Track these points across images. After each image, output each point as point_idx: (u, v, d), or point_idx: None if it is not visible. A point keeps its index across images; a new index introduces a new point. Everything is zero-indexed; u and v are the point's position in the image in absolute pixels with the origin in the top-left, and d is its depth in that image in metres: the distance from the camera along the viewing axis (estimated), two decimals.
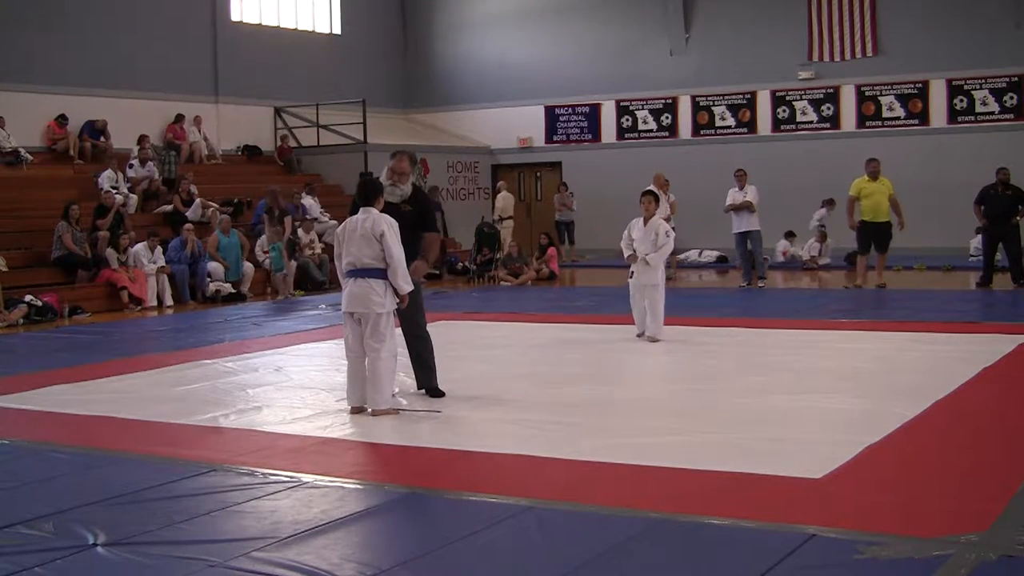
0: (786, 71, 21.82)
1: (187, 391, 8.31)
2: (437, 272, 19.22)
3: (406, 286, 7.17)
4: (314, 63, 23.57)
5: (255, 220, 18.22)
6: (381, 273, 7.11)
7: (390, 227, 7.09)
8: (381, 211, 7.24)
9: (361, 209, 7.19)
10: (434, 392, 7.73)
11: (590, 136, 24.04)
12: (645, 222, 10.42)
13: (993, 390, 7.68)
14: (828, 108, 21.71)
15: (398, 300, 7.23)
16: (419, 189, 7.96)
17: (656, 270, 10.24)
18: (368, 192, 7.25)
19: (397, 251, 7.08)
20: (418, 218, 7.70)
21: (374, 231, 7.07)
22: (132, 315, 14.59)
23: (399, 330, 7.60)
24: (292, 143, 22.57)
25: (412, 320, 7.65)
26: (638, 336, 10.28)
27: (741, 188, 16.01)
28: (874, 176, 15.17)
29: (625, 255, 10.49)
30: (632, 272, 10.34)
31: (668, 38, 22.90)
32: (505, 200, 21.19)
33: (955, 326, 10.83)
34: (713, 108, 22.78)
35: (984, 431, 6.42)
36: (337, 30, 24.52)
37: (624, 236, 10.54)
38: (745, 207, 15.87)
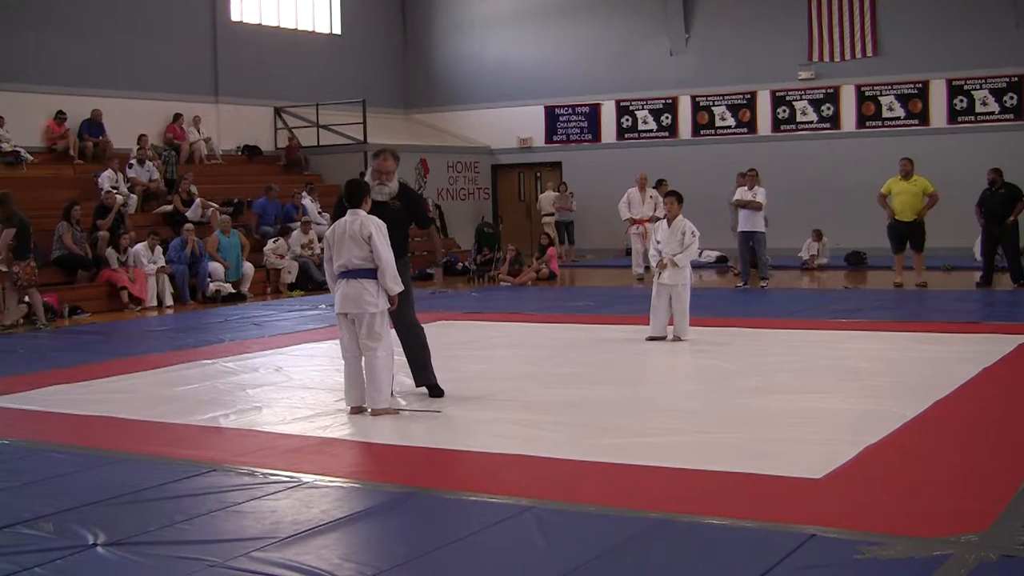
0: (786, 71, 21.80)
1: (187, 391, 8.31)
2: (431, 272, 19.26)
3: (395, 287, 7.17)
4: (314, 63, 23.56)
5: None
6: (372, 273, 7.12)
7: (378, 229, 7.10)
8: (370, 211, 7.25)
9: (349, 211, 7.19)
10: (434, 390, 7.73)
11: (590, 136, 24.03)
12: (669, 223, 10.38)
13: (993, 390, 7.69)
14: (828, 108, 21.70)
15: (388, 300, 7.23)
16: (406, 185, 7.97)
17: (684, 270, 10.24)
18: (354, 193, 7.25)
19: (386, 253, 7.08)
20: (408, 214, 7.73)
21: (362, 233, 7.07)
22: (132, 315, 14.59)
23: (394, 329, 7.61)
24: (296, 143, 22.55)
25: (402, 316, 7.63)
26: (648, 339, 10.22)
27: (751, 188, 15.98)
28: (906, 176, 15.16)
29: (653, 264, 10.47)
30: (657, 273, 10.32)
31: (668, 38, 22.89)
32: (547, 198, 22.09)
33: (955, 326, 10.84)
34: (713, 108, 22.76)
35: (984, 431, 6.42)
36: (337, 30, 24.51)
37: (651, 241, 10.60)
38: (753, 207, 15.82)
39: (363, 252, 7.09)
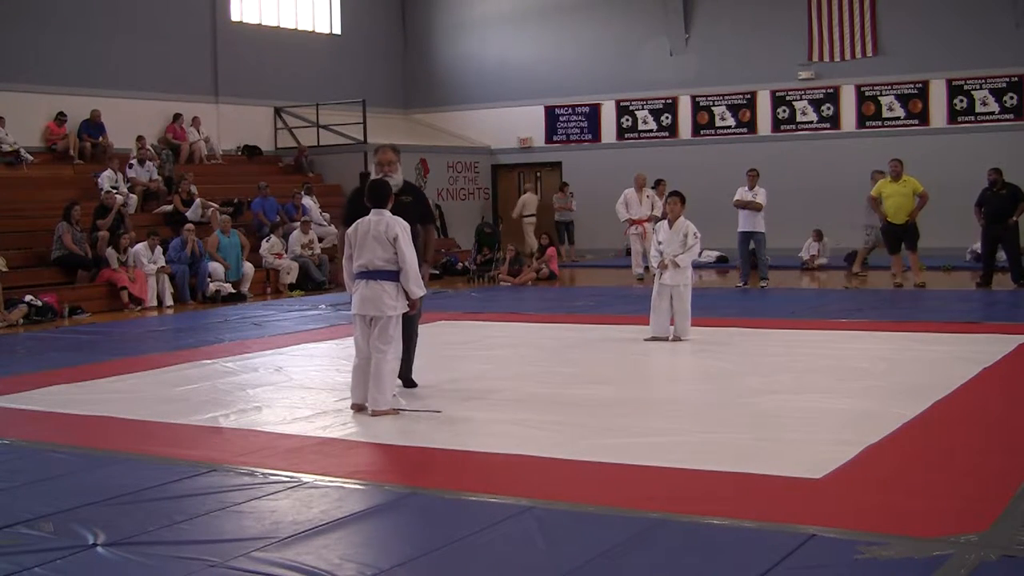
0: (786, 71, 21.81)
1: (187, 391, 8.31)
2: (437, 272, 19.27)
3: (418, 291, 7.18)
4: (314, 63, 23.57)
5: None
6: (393, 275, 7.11)
7: (404, 231, 7.09)
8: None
9: (372, 211, 7.18)
10: (408, 383, 7.87)
11: (590, 136, 24.04)
12: (671, 224, 10.37)
13: (993, 390, 7.69)
14: (828, 108, 21.71)
15: (408, 305, 7.23)
16: (408, 181, 8.04)
17: (686, 271, 10.23)
18: (379, 193, 7.23)
19: (410, 256, 7.07)
20: (418, 210, 7.78)
21: (388, 234, 7.05)
22: (132, 315, 14.59)
23: None
24: (294, 144, 22.54)
25: (409, 318, 7.63)
26: (648, 339, 10.22)
27: (751, 188, 15.96)
28: (896, 177, 15.14)
29: (654, 264, 10.46)
30: (658, 274, 10.30)
31: (668, 38, 22.89)
32: (529, 199, 22.40)
33: (955, 326, 10.84)
34: (713, 108, 22.77)
35: (984, 431, 6.43)
36: (337, 30, 24.52)
37: (652, 243, 10.62)
38: (753, 207, 15.81)
39: (387, 254, 7.07)
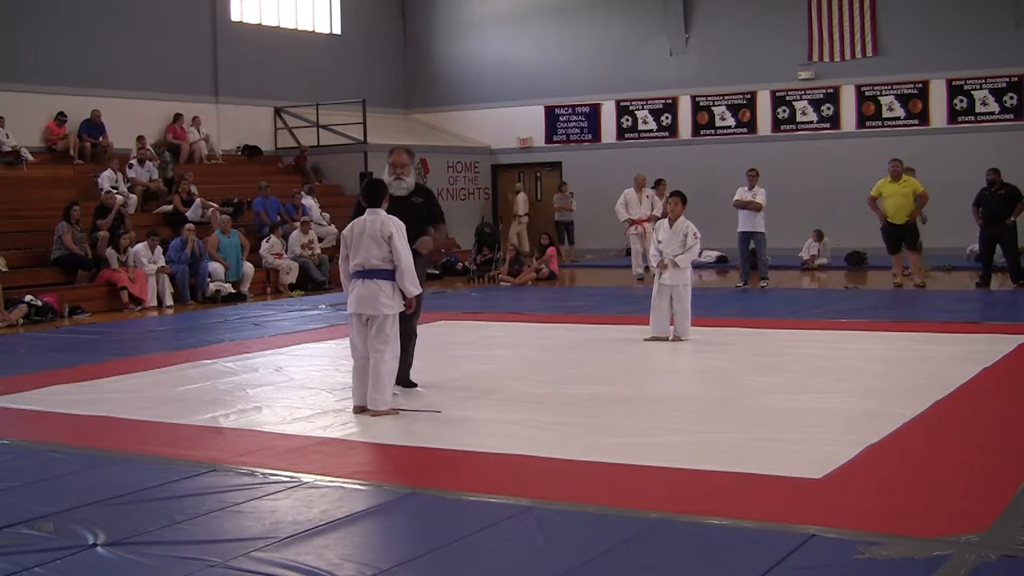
0: (786, 71, 21.81)
1: (187, 391, 8.31)
2: (437, 272, 19.25)
3: (414, 289, 7.18)
4: (314, 63, 23.57)
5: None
6: (389, 275, 7.11)
7: (399, 231, 7.09)
8: (390, 206, 7.25)
9: (368, 210, 7.19)
10: (406, 384, 7.86)
11: (590, 136, 24.04)
12: (671, 224, 10.36)
13: (993, 390, 7.69)
14: (828, 108, 21.71)
15: (405, 304, 7.23)
16: (420, 184, 8.07)
17: (685, 271, 10.23)
18: (374, 192, 7.24)
19: (405, 254, 7.08)
20: (428, 211, 7.81)
21: (383, 233, 7.06)
22: (132, 315, 14.59)
23: None
24: (294, 144, 22.55)
25: (409, 317, 7.65)
26: (647, 340, 10.21)
27: (751, 188, 15.95)
28: (895, 177, 15.11)
29: (654, 264, 10.45)
30: (658, 274, 10.29)
31: (668, 38, 22.89)
32: (521, 199, 22.45)
33: (955, 326, 10.83)
34: (713, 108, 22.77)
35: (984, 431, 6.42)
36: (337, 30, 24.52)
37: (652, 243, 10.62)
38: (753, 207, 15.79)
39: (382, 252, 7.07)
